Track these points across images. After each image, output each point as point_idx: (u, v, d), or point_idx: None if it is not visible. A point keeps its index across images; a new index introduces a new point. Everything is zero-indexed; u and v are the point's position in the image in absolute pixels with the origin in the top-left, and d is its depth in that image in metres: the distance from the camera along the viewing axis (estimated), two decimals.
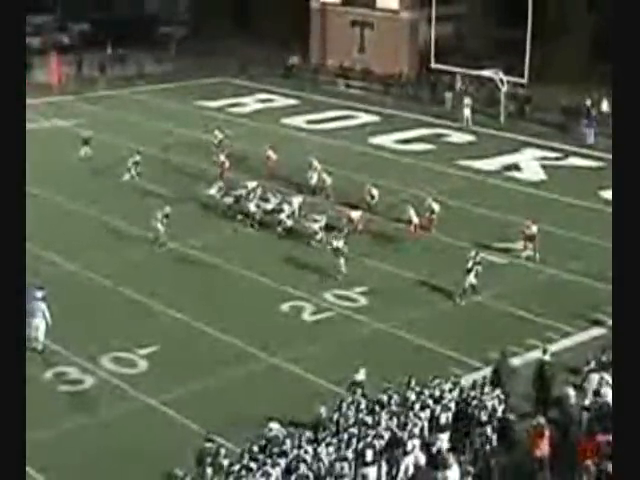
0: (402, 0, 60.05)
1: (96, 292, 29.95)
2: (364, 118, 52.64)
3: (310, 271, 31.60)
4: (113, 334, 26.93)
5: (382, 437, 20.06)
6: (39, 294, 26.34)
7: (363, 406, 21.20)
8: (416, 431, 20.28)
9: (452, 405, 21.13)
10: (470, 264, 29.55)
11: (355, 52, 62.67)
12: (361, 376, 22.42)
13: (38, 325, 25.99)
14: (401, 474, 20.25)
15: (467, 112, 50.88)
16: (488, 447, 21.10)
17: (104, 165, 42.22)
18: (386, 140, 47.92)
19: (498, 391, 21.69)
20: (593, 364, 22.80)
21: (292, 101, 56.38)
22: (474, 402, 21.35)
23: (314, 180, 38.94)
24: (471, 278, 29.50)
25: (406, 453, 20.20)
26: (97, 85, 59.14)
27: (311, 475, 18.78)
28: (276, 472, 18.77)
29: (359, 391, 21.85)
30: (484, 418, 21.19)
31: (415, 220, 34.46)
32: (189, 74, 62.18)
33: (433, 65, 55.01)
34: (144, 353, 25.93)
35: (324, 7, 64.09)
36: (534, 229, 32.28)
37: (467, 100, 51.27)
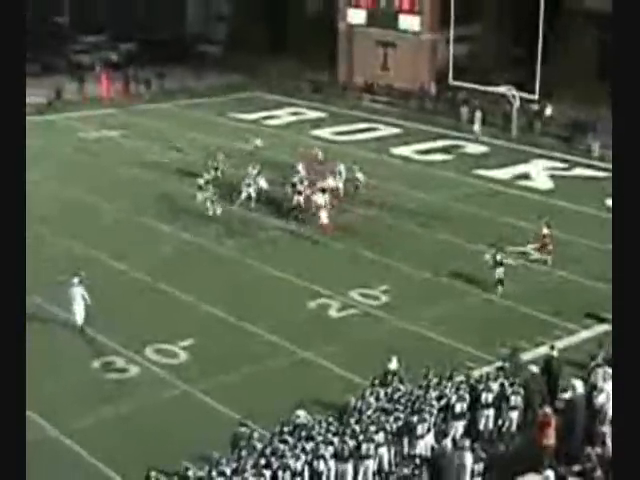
0: (423, 22, 59.98)
1: (140, 288, 30.11)
2: (387, 130, 52.56)
3: (337, 270, 31.63)
4: (156, 327, 27.07)
5: (399, 419, 20.17)
6: (75, 280, 26.96)
7: (382, 395, 21.30)
8: (427, 417, 20.29)
9: (467, 395, 21.13)
10: (499, 257, 29.65)
11: (379, 70, 62.66)
12: (394, 365, 22.53)
13: (77, 309, 26.71)
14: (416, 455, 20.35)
15: (477, 125, 50.82)
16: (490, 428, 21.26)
17: (148, 171, 42.46)
18: (407, 150, 47.85)
19: (506, 380, 21.76)
20: (600, 359, 22.67)
21: (321, 114, 56.39)
22: (480, 386, 21.40)
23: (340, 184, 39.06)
24: (500, 271, 29.53)
25: (418, 437, 20.23)
26: (142, 99, 59.37)
27: (328, 455, 18.90)
28: (305, 456, 18.89)
29: (393, 378, 22.07)
30: (489, 400, 21.23)
31: (325, 221, 34.71)
32: (226, 89, 62.30)
33: (451, 82, 54.92)
34: (184, 345, 26.05)
35: (351, 28, 64.09)
36: (546, 232, 32.13)
37: (478, 114, 51.22)
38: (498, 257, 29.85)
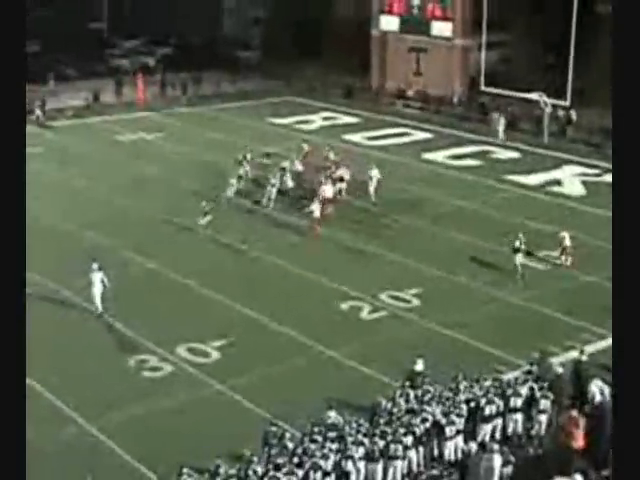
0: (455, 28, 59.79)
1: (173, 289, 30.17)
2: (419, 135, 52.43)
3: (367, 272, 31.56)
4: (189, 327, 27.13)
5: (427, 421, 20.12)
6: (95, 266, 27.94)
7: (412, 396, 21.23)
8: (456, 419, 20.21)
9: (496, 399, 21.01)
10: (517, 244, 30.99)
11: (411, 75, 62.53)
12: (419, 366, 22.44)
13: (96, 293, 27.68)
14: (445, 457, 20.27)
15: (501, 129, 50.64)
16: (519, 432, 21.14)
17: (182, 172, 42.64)
18: (438, 156, 47.70)
19: (535, 384, 21.61)
20: None
21: (353, 119, 56.34)
22: (509, 390, 21.28)
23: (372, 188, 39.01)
24: (519, 257, 30.87)
25: (447, 438, 20.17)
26: (179, 103, 59.57)
27: (357, 456, 18.83)
28: (334, 457, 18.85)
29: (423, 380, 21.98)
30: (518, 405, 21.11)
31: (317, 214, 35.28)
32: (261, 93, 62.45)
33: (483, 88, 54.72)
34: (216, 345, 26.08)
35: (384, 35, 64.01)
36: (567, 239, 32.13)
37: (502, 119, 51.06)
38: (517, 244, 31.02)
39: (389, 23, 63.33)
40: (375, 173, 39.07)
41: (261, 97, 61.60)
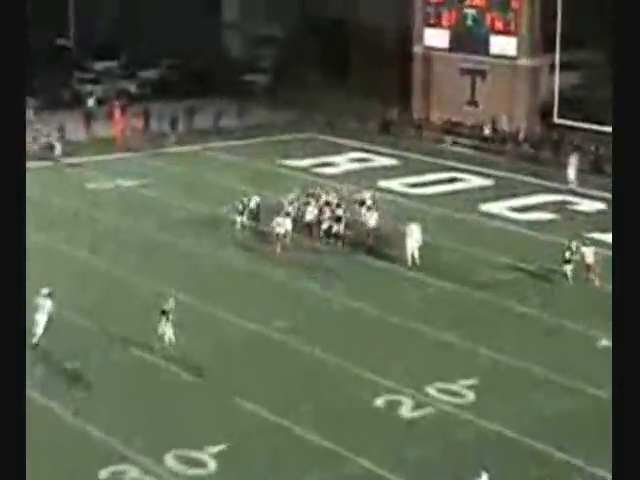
0: (521, 45, 60.23)
1: (161, 380, 30.35)
2: (474, 181, 52.75)
3: (407, 357, 31.64)
4: (179, 428, 27.17)
5: None
6: (45, 291, 31.85)
7: None
8: None
9: None
10: (568, 255, 37.29)
11: (465, 105, 62.91)
12: None
13: (39, 320, 31.24)
14: None
15: (572, 172, 50.77)
16: None
17: (173, 230, 43.04)
18: (500, 207, 47.93)
19: None
20: None
21: (390, 161, 56.71)
22: None
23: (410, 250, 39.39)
24: (568, 268, 37.26)
25: None
26: (167, 140, 60.08)
27: None
28: None
29: None
30: None
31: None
32: (273, 128, 62.97)
33: (556, 120, 54.98)
34: (214, 451, 26.08)
35: (429, 53, 64.52)
36: (590, 256, 37.03)
37: (573, 159, 51.21)
38: (567, 254, 37.31)
39: (436, 38, 63.95)
40: (415, 231, 39.36)
41: (272, 133, 62.11)
